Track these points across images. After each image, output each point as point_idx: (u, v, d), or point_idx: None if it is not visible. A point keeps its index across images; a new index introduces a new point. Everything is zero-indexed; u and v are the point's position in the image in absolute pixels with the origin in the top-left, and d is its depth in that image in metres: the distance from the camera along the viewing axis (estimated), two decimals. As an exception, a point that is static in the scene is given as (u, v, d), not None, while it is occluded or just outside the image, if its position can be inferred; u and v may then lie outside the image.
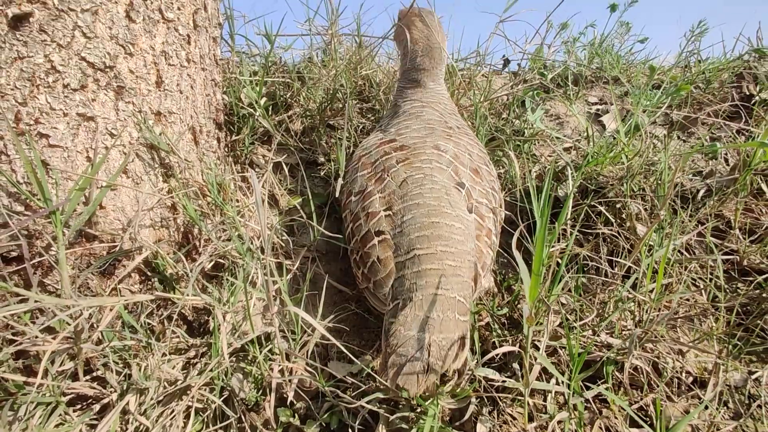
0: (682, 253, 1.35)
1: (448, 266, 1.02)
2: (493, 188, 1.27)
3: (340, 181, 1.35)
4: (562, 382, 0.97)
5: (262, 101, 1.55)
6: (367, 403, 0.93)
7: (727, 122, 1.58)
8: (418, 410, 0.99)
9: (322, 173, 1.64)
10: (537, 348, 1.02)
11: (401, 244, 1.07)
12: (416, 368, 0.90)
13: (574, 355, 0.98)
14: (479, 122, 1.65)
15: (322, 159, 1.66)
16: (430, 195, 1.13)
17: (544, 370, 1.10)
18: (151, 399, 0.94)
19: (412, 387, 0.89)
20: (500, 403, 1.07)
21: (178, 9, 1.23)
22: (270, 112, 1.72)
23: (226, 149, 1.56)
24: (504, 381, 1.02)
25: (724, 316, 1.17)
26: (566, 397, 1.00)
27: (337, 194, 1.33)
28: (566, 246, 1.10)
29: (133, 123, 1.14)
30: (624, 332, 1.13)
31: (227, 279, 1.19)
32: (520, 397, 1.06)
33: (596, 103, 2.15)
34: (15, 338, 0.92)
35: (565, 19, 2.21)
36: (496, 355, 1.10)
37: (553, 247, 1.13)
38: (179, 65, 1.25)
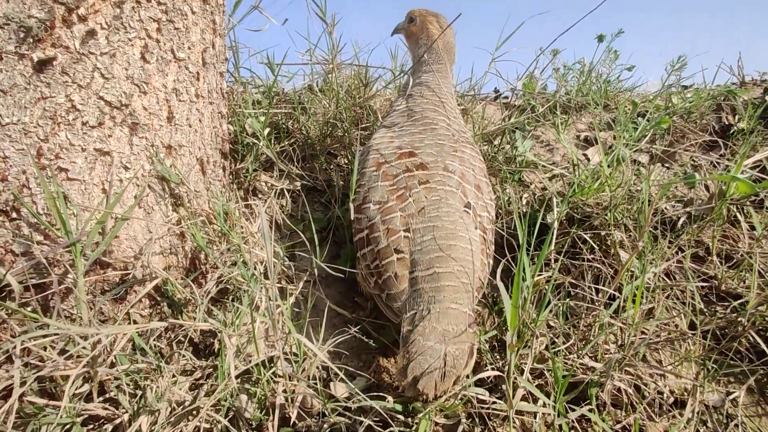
0: (664, 279, 1.42)
1: (462, 284, 1.15)
2: (491, 198, 1.41)
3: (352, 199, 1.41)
4: (547, 404, 1.04)
5: (266, 132, 1.63)
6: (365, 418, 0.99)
7: (705, 154, 1.67)
8: (413, 428, 1.05)
9: (322, 199, 1.71)
10: (522, 372, 1.08)
11: (420, 261, 1.19)
12: (434, 375, 1.01)
13: (559, 377, 1.05)
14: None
15: (322, 185, 1.74)
16: (447, 218, 1.25)
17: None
18: (163, 420, 1.00)
19: (430, 391, 1.00)
20: (489, 423, 1.13)
21: (189, 49, 1.31)
22: (272, 141, 1.80)
23: (230, 176, 1.63)
24: (494, 402, 1.08)
25: (700, 340, 1.24)
26: (552, 418, 1.06)
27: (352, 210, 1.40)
28: (551, 275, 1.17)
29: (146, 156, 1.21)
30: (607, 355, 1.20)
31: (232, 303, 1.26)
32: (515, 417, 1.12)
33: (585, 130, 2.24)
34: (32, 362, 0.98)
35: (552, 55, 2.31)
36: (487, 377, 1.17)
37: (539, 275, 1.21)
38: (189, 101, 1.32)
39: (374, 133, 1.58)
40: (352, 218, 1.37)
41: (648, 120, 1.89)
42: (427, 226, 1.24)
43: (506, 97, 2.57)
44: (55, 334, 0.96)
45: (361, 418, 1.00)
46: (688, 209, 1.52)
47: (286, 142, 1.80)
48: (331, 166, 1.81)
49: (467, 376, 1.05)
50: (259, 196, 1.65)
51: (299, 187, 1.68)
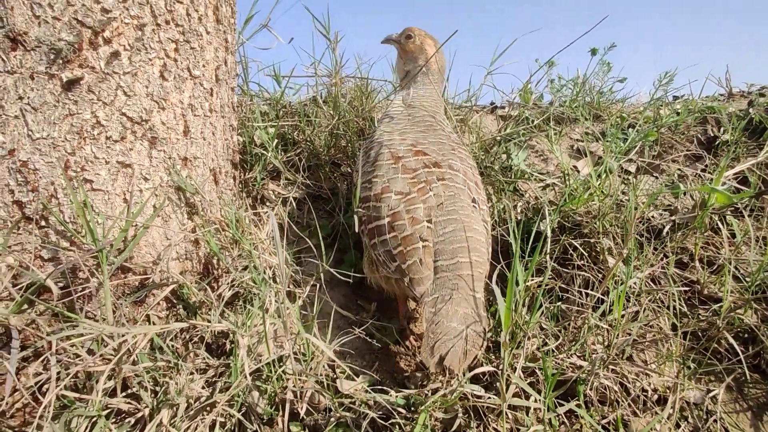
0: (650, 284, 1.51)
1: (478, 273, 1.28)
2: (485, 194, 1.56)
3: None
4: (538, 400, 1.12)
5: (274, 143, 1.71)
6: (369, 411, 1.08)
7: (688, 165, 1.76)
8: (414, 421, 1.13)
9: (327, 207, 1.80)
10: (515, 370, 1.17)
11: (444, 251, 1.31)
12: (458, 352, 1.13)
13: (549, 375, 1.13)
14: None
15: (327, 194, 1.82)
16: (462, 212, 1.38)
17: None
18: (181, 413, 1.08)
19: (455, 367, 1.11)
20: (485, 418, 1.21)
21: (203, 66, 1.40)
22: (279, 151, 1.89)
23: (240, 185, 1.72)
24: (490, 398, 1.17)
25: (680, 342, 1.33)
26: (542, 412, 1.14)
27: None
28: (542, 280, 1.26)
29: (164, 168, 1.29)
30: (594, 355, 1.29)
31: (243, 305, 1.34)
32: (509, 412, 1.20)
33: (579, 140, 2.33)
34: (62, 360, 1.06)
35: (548, 67, 2.40)
36: (483, 375, 1.25)
37: (532, 280, 1.30)
38: (203, 115, 1.41)
39: (377, 132, 1.66)
40: (362, 206, 1.46)
41: (637, 131, 1.98)
42: (447, 219, 1.36)
43: (503, 107, 2.67)
44: (81, 334, 1.04)
45: (366, 411, 1.09)
46: (673, 218, 1.61)
47: (293, 152, 1.88)
48: (335, 175, 1.90)
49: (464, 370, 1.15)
50: (267, 203, 1.73)
51: (305, 196, 1.76)
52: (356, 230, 1.43)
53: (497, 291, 1.08)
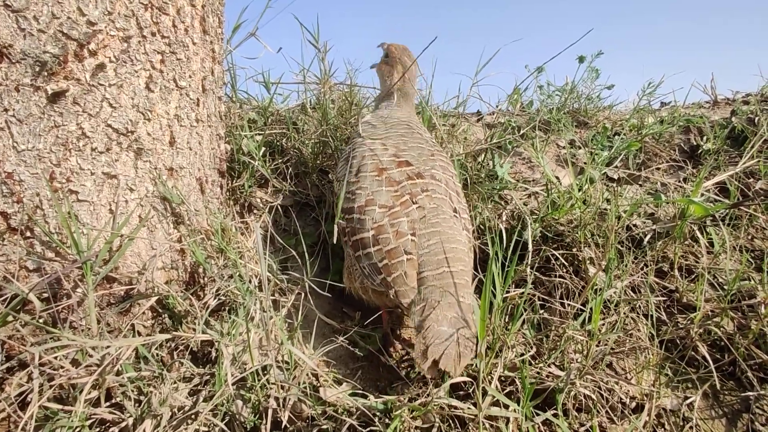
0: (630, 293, 1.54)
1: (465, 281, 1.31)
2: (465, 202, 1.59)
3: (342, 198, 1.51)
4: (516, 410, 1.14)
5: (260, 152, 1.73)
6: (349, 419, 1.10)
7: (672, 174, 1.79)
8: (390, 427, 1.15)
9: (313, 214, 1.81)
10: (493, 379, 1.19)
11: (430, 262, 1.33)
12: (452, 355, 1.15)
13: (526, 384, 1.16)
14: (458, 171, 1.84)
15: (313, 201, 1.84)
16: (445, 224, 1.41)
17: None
18: (165, 423, 1.09)
19: (451, 370, 1.13)
20: (465, 426, 1.23)
21: (190, 77, 1.41)
22: (267, 159, 1.90)
23: (227, 193, 1.73)
24: (469, 408, 1.19)
25: (657, 350, 1.36)
26: (521, 421, 1.17)
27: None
28: (523, 291, 1.28)
29: (150, 179, 1.31)
30: (572, 364, 1.31)
31: (228, 315, 1.35)
32: (487, 421, 1.23)
33: (565, 147, 2.36)
34: (45, 371, 1.07)
35: (537, 73, 2.43)
36: (464, 383, 1.28)
37: (515, 290, 1.32)
38: (189, 125, 1.42)
39: (357, 140, 1.67)
40: (345, 217, 1.47)
41: (622, 140, 2.01)
42: (431, 231, 1.38)
43: (492, 114, 2.69)
44: (66, 346, 1.06)
45: (346, 419, 1.11)
46: (654, 227, 1.64)
47: (280, 160, 1.90)
48: (323, 183, 1.91)
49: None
50: (255, 211, 1.75)
51: (292, 203, 1.78)
52: (335, 242, 1.44)
53: (476, 305, 1.11)
